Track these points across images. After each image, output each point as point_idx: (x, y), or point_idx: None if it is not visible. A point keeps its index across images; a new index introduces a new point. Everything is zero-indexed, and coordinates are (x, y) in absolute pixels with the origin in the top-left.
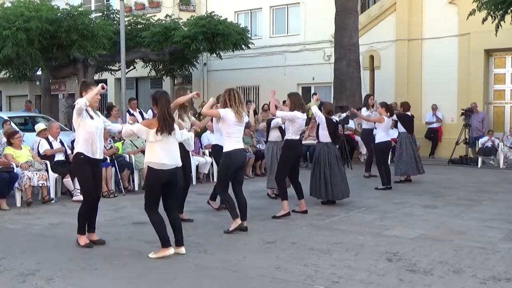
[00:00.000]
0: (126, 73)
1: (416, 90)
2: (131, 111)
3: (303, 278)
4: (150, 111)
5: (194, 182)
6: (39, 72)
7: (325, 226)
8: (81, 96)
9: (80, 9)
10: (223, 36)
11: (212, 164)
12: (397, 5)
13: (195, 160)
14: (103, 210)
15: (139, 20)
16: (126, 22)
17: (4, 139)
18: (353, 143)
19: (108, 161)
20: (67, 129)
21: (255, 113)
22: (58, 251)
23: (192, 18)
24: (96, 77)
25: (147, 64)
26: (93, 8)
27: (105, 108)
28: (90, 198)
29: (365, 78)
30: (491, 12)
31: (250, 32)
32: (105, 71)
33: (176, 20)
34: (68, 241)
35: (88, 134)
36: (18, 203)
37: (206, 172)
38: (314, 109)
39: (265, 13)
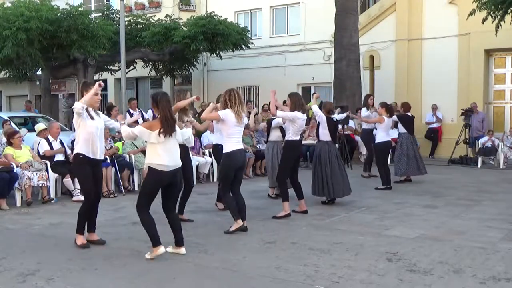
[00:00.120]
0: (126, 73)
1: (416, 90)
2: (131, 111)
3: (303, 278)
4: (150, 111)
5: (194, 182)
6: (39, 72)
7: (325, 226)
8: (82, 96)
9: (80, 9)
10: (223, 36)
11: (212, 164)
12: (397, 5)
13: (195, 160)
14: (103, 210)
15: (139, 20)
16: (126, 22)
17: (4, 139)
18: (353, 143)
19: (108, 161)
20: (67, 129)
21: (256, 113)
22: (58, 251)
23: (192, 18)
24: (96, 77)
25: (147, 64)
26: (93, 8)
27: (105, 108)
28: (90, 198)
29: (365, 78)
30: (491, 12)
31: (250, 32)
32: (105, 71)
33: (176, 20)
34: (68, 241)
35: (89, 134)
36: (18, 203)
37: (206, 172)
38: (315, 108)
39: (265, 13)
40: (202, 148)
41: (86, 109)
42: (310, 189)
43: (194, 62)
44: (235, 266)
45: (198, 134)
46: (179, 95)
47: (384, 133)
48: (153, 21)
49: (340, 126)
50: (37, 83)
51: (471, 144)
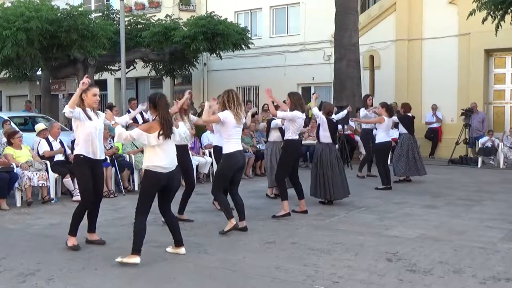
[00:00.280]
0: (126, 73)
1: (416, 90)
2: (131, 111)
3: (303, 278)
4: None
5: (194, 182)
6: (39, 72)
7: (325, 226)
8: (81, 97)
9: (80, 9)
10: (223, 36)
11: (212, 164)
12: (397, 5)
13: (195, 160)
14: (103, 210)
15: (139, 20)
16: (126, 22)
17: (4, 139)
18: (353, 143)
19: (108, 161)
20: (67, 129)
21: (256, 113)
22: (58, 251)
23: (192, 18)
24: (96, 77)
25: (147, 64)
26: (93, 8)
27: (105, 108)
28: (87, 199)
29: (365, 78)
30: (491, 12)
31: (250, 32)
32: (105, 71)
33: (176, 20)
34: None
35: (87, 135)
36: (18, 203)
37: (206, 172)
38: (315, 111)
39: (265, 13)
40: (202, 148)
41: (84, 110)
42: (309, 190)
43: (194, 62)
44: (235, 266)
45: (198, 134)
46: (178, 95)
47: (384, 133)
48: (153, 21)
49: (340, 126)
50: (37, 83)
51: (471, 144)
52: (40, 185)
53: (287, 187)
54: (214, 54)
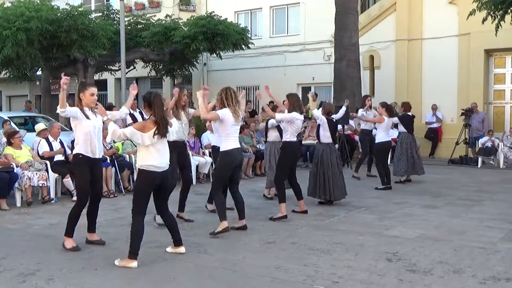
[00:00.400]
0: (126, 73)
1: (416, 90)
2: (131, 111)
3: (303, 278)
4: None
5: (194, 182)
6: (39, 72)
7: (325, 226)
8: (79, 97)
9: (80, 9)
10: (223, 36)
11: (212, 164)
12: (397, 5)
13: (195, 160)
14: (103, 210)
15: (139, 20)
16: (126, 22)
17: (4, 139)
18: (353, 143)
19: (108, 161)
20: (67, 129)
21: (255, 113)
22: (58, 251)
23: (192, 18)
24: (96, 77)
25: (147, 64)
26: (93, 8)
27: (105, 108)
28: (83, 198)
29: (365, 78)
30: (491, 12)
31: (250, 32)
32: (105, 71)
33: (176, 20)
34: None
35: (86, 134)
36: (18, 203)
37: (206, 172)
38: (316, 113)
39: (265, 13)
40: (202, 148)
41: (82, 109)
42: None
43: (194, 62)
44: (235, 266)
45: (198, 134)
46: (179, 91)
47: (384, 133)
48: (153, 21)
49: (340, 126)
50: (37, 83)
51: (471, 144)
52: (40, 185)
53: (285, 188)
54: (214, 54)
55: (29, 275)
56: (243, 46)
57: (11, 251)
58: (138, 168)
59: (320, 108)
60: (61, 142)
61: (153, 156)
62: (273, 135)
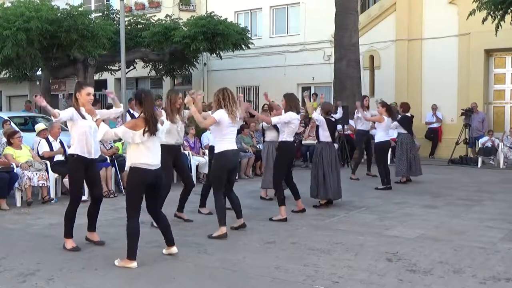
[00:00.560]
0: (126, 73)
1: (416, 90)
2: (131, 111)
3: (303, 278)
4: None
5: (194, 182)
6: (39, 72)
7: (325, 226)
8: (75, 96)
9: (80, 9)
10: (223, 36)
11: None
12: (397, 5)
13: (195, 160)
14: (103, 210)
15: (139, 20)
16: (126, 22)
17: (4, 139)
18: (353, 143)
19: (108, 161)
20: (67, 129)
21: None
22: (58, 251)
23: (192, 18)
24: (96, 77)
25: (147, 64)
26: (93, 8)
27: (105, 108)
28: (77, 199)
29: (365, 78)
30: (491, 12)
31: (250, 32)
32: (105, 71)
33: (176, 20)
34: None
35: (81, 134)
36: (18, 203)
37: (206, 172)
38: (315, 116)
39: (265, 13)
40: (202, 148)
41: (78, 109)
42: (309, 189)
43: (194, 62)
44: (235, 266)
45: (198, 134)
46: (171, 94)
47: (383, 132)
48: (153, 21)
49: (340, 126)
50: (37, 83)
51: (471, 144)
52: (40, 185)
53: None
54: (214, 54)
55: (29, 275)
56: (243, 46)
57: (11, 251)
58: (130, 167)
59: (318, 109)
60: (61, 142)
61: (145, 154)
62: (270, 135)
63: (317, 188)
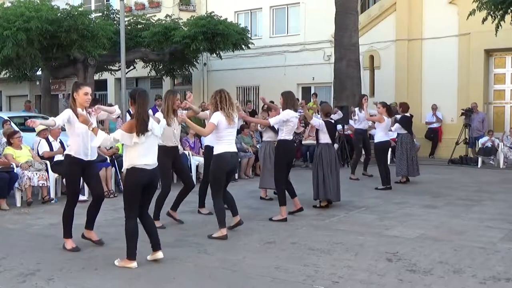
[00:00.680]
0: (126, 73)
1: (416, 90)
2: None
3: (303, 278)
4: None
5: (194, 182)
6: (39, 72)
7: (325, 226)
8: (73, 96)
9: (80, 9)
10: (223, 36)
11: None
12: (397, 5)
13: (195, 160)
14: (103, 210)
15: (139, 20)
16: (126, 22)
17: (4, 139)
18: (353, 143)
19: (108, 161)
20: None
21: (255, 113)
22: (58, 251)
23: (192, 18)
24: (96, 77)
25: (147, 64)
26: (93, 8)
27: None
28: (73, 199)
29: (365, 78)
30: (491, 12)
31: (250, 32)
32: (105, 71)
33: (176, 20)
34: None
35: (78, 136)
36: (18, 203)
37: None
38: (315, 122)
39: (265, 13)
40: (202, 148)
41: (75, 110)
42: (310, 189)
43: (194, 62)
44: (235, 266)
45: (198, 134)
46: (169, 95)
47: (383, 132)
48: (153, 21)
49: (340, 127)
50: (37, 83)
51: (471, 144)
52: (40, 185)
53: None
54: (214, 54)
55: (29, 275)
56: (243, 46)
57: (11, 251)
58: (127, 169)
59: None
60: (61, 142)
61: (142, 154)
62: (267, 135)
63: (317, 189)
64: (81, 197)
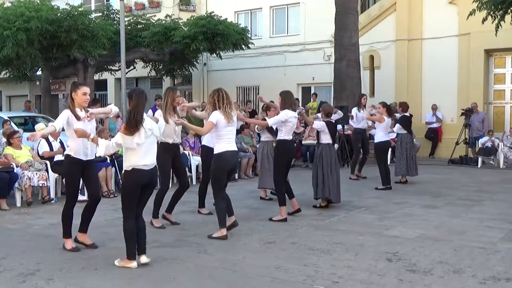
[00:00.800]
0: (126, 73)
1: (416, 90)
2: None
3: (303, 278)
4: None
5: (194, 182)
6: (39, 72)
7: (325, 226)
8: (71, 96)
9: (80, 9)
10: (223, 36)
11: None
12: (397, 5)
13: (195, 160)
14: (103, 210)
15: (139, 20)
16: (126, 22)
17: (4, 139)
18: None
19: (108, 161)
20: None
21: (255, 113)
22: (58, 251)
23: (192, 18)
24: (96, 77)
25: (147, 64)
26: (93, 8)
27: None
28: (72, 199)
29: (365, 78)
30: (491, 12)
31: (250, 32)
32: (105, 71)
33: (176, 20)
34: None
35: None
36: (18, 203)
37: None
38: (317, 125)
39: (265, 13)
40: None
41: (73, 111)
42: (310, 189)
43: (194, 62)
44: (235, 266)
45: (198, 134)
46: (168, 92)
47: (383, 132)
48: (153, 21)
49: (340, 127)
50: (37, 83)
51: (471, 144)
52: (40, 185)
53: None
54: (214, 54)
55: (29, 275)
56: (243, 46)
57: (11, 251)
58: (125, 170)
59: (320, 114)
60: (61, 142)
61: (141, 155)
62: (265, 135)
63: (317, 188)
64: (81, 197)
